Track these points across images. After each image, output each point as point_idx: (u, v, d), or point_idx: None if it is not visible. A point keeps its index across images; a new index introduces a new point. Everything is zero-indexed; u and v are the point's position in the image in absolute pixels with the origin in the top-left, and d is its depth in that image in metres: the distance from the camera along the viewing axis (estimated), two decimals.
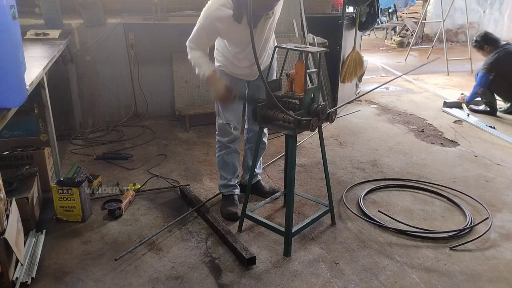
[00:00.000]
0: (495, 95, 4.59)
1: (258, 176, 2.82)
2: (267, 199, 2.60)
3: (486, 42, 4.53)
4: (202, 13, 2.19)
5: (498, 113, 4.62)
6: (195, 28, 2.23)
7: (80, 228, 2.40)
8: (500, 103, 4.68)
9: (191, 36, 2.26)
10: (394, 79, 3.38)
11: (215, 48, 2.46)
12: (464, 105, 4.71)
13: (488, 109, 4.62)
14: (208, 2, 2.19)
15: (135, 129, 4.01)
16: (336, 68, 4.44)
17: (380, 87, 5.62)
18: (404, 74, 3.05)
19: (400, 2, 9.25)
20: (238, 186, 2.69)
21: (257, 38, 2.22)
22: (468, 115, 4.50)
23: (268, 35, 2.33)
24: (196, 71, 2.27)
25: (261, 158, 2.83)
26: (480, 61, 4.81)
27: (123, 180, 2.95)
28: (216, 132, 2.60)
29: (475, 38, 4.70)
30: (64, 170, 2.97)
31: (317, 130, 2.21)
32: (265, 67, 2.43)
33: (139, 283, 1.97)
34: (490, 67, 4.38)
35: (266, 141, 2.77)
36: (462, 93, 4.89)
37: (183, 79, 4.29)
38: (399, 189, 2.95)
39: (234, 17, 2.10)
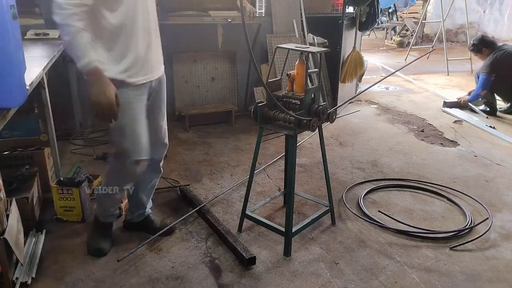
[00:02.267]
0: (495, 95, 4.59)
1: (149, 210, 2.37)
2: (267, 199, 2.60)
3: (484, 45, 4.54)
4: None
5: (498, 113, 4.62)
6: None
7: (80, 228, 2.39)
8: (500, 103, 4.68)
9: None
10: (390, 75, 3.36)
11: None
12: (477, 109, 4.68)
13: (488, 109, 4.62)
14: None
15: None
16: (336, 68, 4.45)
17: (378, 85, 5.62)
18: (399, 69, 3.06)
19: (400, 2, 9.25)
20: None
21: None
22: (487, 117, 4.48)
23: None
24: (76, 54, 1.65)
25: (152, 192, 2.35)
26: (480, 61, 4.81)
27: None
28: (114, 168, 2.08)
29: (472, 42, 4.70)
30: (64, 170, 2.97)
31: (317, 130, 2.21)
32: (158, 77, 2.09)
33: (139, 283, 1.97)
34: (490, 69, 4.38)
35: (158, 177, 2.33)
36: (459, 98, 4.88)
37: (183, 79, 4.29)
38: (399, 189, 2.95)
39: None
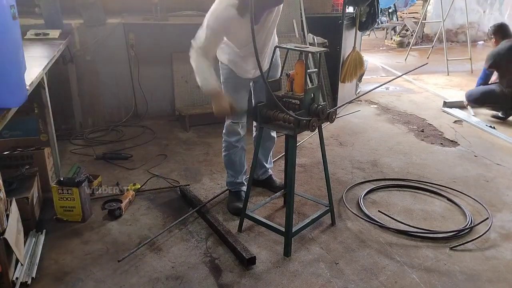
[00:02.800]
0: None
1: (270, 171, 2.88)
2: (267, 199, 2.60)
3: (495, 34, 4.44)
4: (209, 16, 2.15)
5: (499, 114, 4.55)
6: (203, 32, 2.16)
7: (80, 228, 2.40)
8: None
9: (198, 41, 2.18)
10: (394, 79, 3.35)
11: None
12: (469, 107, 4.65)
13: (501, 115, 4.46)
14: (214, 3, 2.17)
15: (135, 129, 4.01)
16: (336, 68, 4.44)
17: (380, 87, 5.62)
18: (404, 74, 3.02)
19: (400, 2, 9.24)
20: (245, 183, 2.72)
21: (260, 33, 2.23)
22: (492, 127, 4.19)
23: (271, 28, 2.32)
24: (198, 80, 2.24)
25: (271, 153, 2.87)
26: (480, 61, 4.80)
27: (123, 180, 2.95)
28: (224, 131, 2.64)
29: (490, 27, 4.59)
30: (64, 170, 2.97)
31: (317, 130, 2.21)
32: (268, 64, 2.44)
33: (139, 283, 1.97)
34: (488, 63, 4.34)
35: (275, 136, 2.80)
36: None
37: (183, 79, 4.29)
38: (399, 189, 2.94)
39: (238, 11, 2.07)
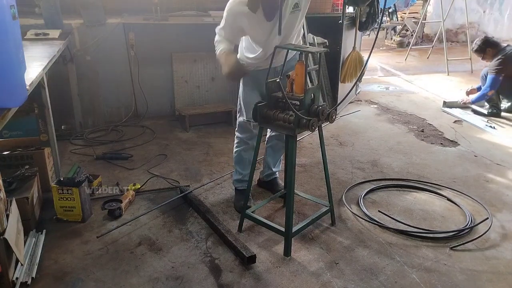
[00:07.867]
0: (499, 95, 4.54)
1: (276, 173, 2.89)
2: (267, 199, 2.60)
3: (488, 45, 4.51)
4: (225, 9, 2.23)
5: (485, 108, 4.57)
6: (222, 21, 2.28)
7: (80, 228, 2.40)
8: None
9: (220, 26, 2.31)
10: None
11: (243, 47, 2.49)
12: (481, 110, 4.62)
13: (495, 110, 4.53)
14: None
15: (135, 129, 4.01)
16: (336, 68, 4.44)
17: (377, 85, 5.61)
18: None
19: (401, 2, 9.23)
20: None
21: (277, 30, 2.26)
22: (487, 120, 4.33)
23: (297, 28, 2.35)
24: (216, 53, 2.33)
25: (281, 157, 2.85)
26: (480, 61, 4.80)
27: (123, 180, 2.95)
28: (236, 128, 2.66)
29: (476, 43, 4.64)
30: (64, 170, 2.97)
31: (317, 130, 2.21)
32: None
33: (139, 283, 1.97)
34: (499, 69, 4.36)
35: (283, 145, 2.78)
36: (462, 100, 4.81)
37: (183, 79, 4.29)
38: (399, 189, 2.94)
39: (249, 6, 2.10)
